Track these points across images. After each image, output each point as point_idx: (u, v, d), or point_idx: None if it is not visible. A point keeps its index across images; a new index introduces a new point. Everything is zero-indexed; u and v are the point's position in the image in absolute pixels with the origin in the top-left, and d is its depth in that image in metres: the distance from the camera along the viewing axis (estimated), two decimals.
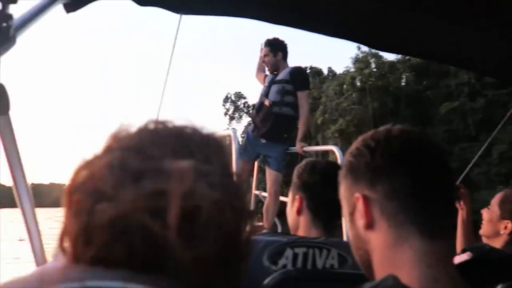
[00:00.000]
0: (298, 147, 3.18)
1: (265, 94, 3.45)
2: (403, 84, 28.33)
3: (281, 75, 3.41)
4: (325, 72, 37.73)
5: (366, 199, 0.57)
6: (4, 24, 0.73)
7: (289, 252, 0.98)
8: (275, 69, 3.46)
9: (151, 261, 0.39)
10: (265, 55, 3.46)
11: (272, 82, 3.45)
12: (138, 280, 0.37)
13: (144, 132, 0.45)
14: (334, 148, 2.78)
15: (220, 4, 1.43)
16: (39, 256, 1.05)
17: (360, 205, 0.58)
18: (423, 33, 1.46)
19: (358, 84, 28.37)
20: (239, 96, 48.16)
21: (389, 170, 0.57)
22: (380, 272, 0.56)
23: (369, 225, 0.57)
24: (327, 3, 1.34)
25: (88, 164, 0.43)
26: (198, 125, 0.47)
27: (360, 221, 0.58)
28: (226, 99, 48.34)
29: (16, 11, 0.79)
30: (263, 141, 3.29)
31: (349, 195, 0.61)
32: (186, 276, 0.40)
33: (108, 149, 0.44)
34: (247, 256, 0.45)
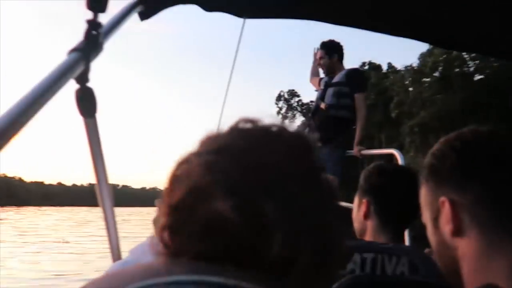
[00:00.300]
0: (355, 151, 3.13)
1: (321, 97, 3.42)
2: (488, 72, 24.80)
3: (337, 78, 3.37)
4: (385, 67, 36.06)
5: (453, 204, 0.56)
6: (94, 32, 0.79)
7: (357, 257, 0.98)
8: (331, 72, 3.43)
9: (247, 259, 0.41)
10: (320, 58, 3.44)
11: (328, 85, 3.42)
12: (237, 276, 0.39)
13: (235, 131, 0.47)
14: (395, 152, 2.70)
15: (284, 8, 1.46)
16: (115, 252, 1.14)
17: (446, 210, 0.56)
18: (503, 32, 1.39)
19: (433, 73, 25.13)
20: (293, 94, 47.09)
21: (479, 173, 0.55)
22: (471, 281, 0.54)
23: (457, 231, 0.55)
24: (396, 2, 1.32)
25: (185, 162, 0.46)
26: (284, 124, 0.48)
27: (447, 227, 0.56)
28: (278, 97, 47.51)
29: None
30: (319, 144, 3.26)
31: (432, 199, 0.60)
32: (280, 274, 0.41)
33: (203, 149, 0.47)
34: (342, 261, 0.46)
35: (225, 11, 1.41)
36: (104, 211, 1.08)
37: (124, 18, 0.99)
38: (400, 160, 2.56)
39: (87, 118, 0.88)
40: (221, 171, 0.43)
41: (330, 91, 3.36)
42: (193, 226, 0.42)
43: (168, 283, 0.39)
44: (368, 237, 1.11)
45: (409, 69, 28.04)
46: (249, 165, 0.43)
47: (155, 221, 1.15)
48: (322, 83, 3.53)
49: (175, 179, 0.46)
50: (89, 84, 0.81)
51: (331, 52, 3.43)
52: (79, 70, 0.74)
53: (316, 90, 3.60)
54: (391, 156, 2.69)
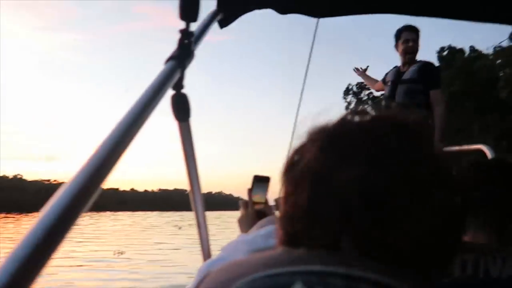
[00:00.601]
0: None
1: (391, 95, 3.23)
2: None
3: (409, 74, 3.18)
4: (467, 51, 32.62)
5: None
6: (186, 41, 0.85)
7: (456, 258, 0.95)
8: (413, 60, 3.23)
9: (369, 247, 0.41)
10: (414, 41, 3.22)
11: (398, 81, 3.22)
12: (362, 266, 0.39)
13: (345, 120, 0.49)
14: (484, 147, 2.53)
15: (359, 4, 1.46)
16: (206, 251, 1.22)
17: None
18: None
19: None
20: (362, 87, 43.62)
21: None
22: None
23: None
24: None
25: (298, 151, 0.48)
26: (396, 115, 0.48)
27: None
28: (347, 91, 44.59)
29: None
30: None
31: None
32: (405, 260, 0.41)
33: (314, 136, 0.48)
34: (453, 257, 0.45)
35: (300, 12, 1.45)
36: (196, 212, 1.16)
37: (208, 26, 1.05)
38: (490, 155, 2.41)
39: (181, 123, 0.95)
40: (335, 153, 0.44)
41: (401, 88, 3.18)
42: (313, 211, 0.43)
43: (293, 273, 0.40)
44: (466, 238, 1.07)
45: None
46: (367, 150, 0.43)
47: (240, 221, 1.21)
48: (389, 78, 3.33)
49: (290, 169, 0.48)
50: (183, 90, 0.88)
51: (419, 38, 3.20)
52: (176, 78, 0.80)
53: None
54: (480, 152, 2.53)
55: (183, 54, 0.83)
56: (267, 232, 0.95)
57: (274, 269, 0.41)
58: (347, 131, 0.46)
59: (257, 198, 1.28)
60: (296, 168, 0.47)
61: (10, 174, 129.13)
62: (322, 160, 0.44)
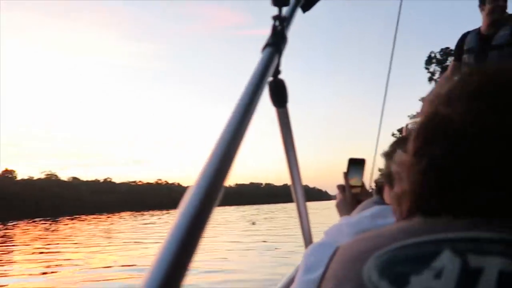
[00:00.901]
0: None
1: (478, 63, 2.91)
2: None
3: (501, 37, 2.88)
4: None
5: None
6: (280, 27, 0.87)
7: None
8: (500, 22, 2.94)
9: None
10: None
11: (487, 47, 2.92)
12: None
13: (469, 79, 0.47)
14: None
15: None
16: (307, 237, 1.26)
17: None
18: None
19: None
20: (447, 53, 36.44)
21: None
22: None
23: None
24: None
25: (431, 115, 0.47)
26: None
27: None
28: (429, 60, 39.19)
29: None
30: None
31: None
32: None
33: (446, 98, 0.46)
34: None
35: None
36: (297, 201, 1.19)
37: (295, 10, 1.06)
38: None
39: (279, 109, 0.98)
40: (481, 112, 0.42)
41: (493, 55, 2.89)
42: (461, 180, 0.41)
43: (438, 241, 0.39)
44: None
45: None
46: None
47: (338, 205, 1.23)
48: (471, 43, 3.01)
49: (428, 135, 0.46)
50: (280, 76, 0.89)
51: None
52: (274, 64, 0.81)
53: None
54: None
55: (278, 40, 0.85)
56: (373, 212, 0.96)
57: (416, 237, 0.39)
58: (484, 84, 0.44)
59: (353, 181, 1.28)
60: (433, 133, 0.45)
61: (101, 178, 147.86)
62: (468, 120, 0.42)
